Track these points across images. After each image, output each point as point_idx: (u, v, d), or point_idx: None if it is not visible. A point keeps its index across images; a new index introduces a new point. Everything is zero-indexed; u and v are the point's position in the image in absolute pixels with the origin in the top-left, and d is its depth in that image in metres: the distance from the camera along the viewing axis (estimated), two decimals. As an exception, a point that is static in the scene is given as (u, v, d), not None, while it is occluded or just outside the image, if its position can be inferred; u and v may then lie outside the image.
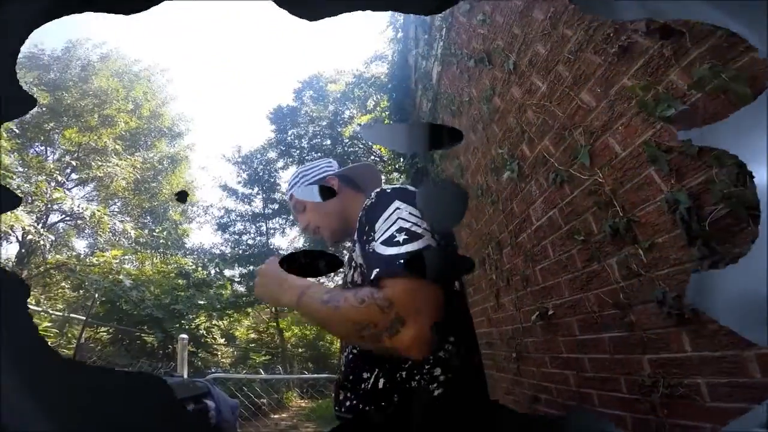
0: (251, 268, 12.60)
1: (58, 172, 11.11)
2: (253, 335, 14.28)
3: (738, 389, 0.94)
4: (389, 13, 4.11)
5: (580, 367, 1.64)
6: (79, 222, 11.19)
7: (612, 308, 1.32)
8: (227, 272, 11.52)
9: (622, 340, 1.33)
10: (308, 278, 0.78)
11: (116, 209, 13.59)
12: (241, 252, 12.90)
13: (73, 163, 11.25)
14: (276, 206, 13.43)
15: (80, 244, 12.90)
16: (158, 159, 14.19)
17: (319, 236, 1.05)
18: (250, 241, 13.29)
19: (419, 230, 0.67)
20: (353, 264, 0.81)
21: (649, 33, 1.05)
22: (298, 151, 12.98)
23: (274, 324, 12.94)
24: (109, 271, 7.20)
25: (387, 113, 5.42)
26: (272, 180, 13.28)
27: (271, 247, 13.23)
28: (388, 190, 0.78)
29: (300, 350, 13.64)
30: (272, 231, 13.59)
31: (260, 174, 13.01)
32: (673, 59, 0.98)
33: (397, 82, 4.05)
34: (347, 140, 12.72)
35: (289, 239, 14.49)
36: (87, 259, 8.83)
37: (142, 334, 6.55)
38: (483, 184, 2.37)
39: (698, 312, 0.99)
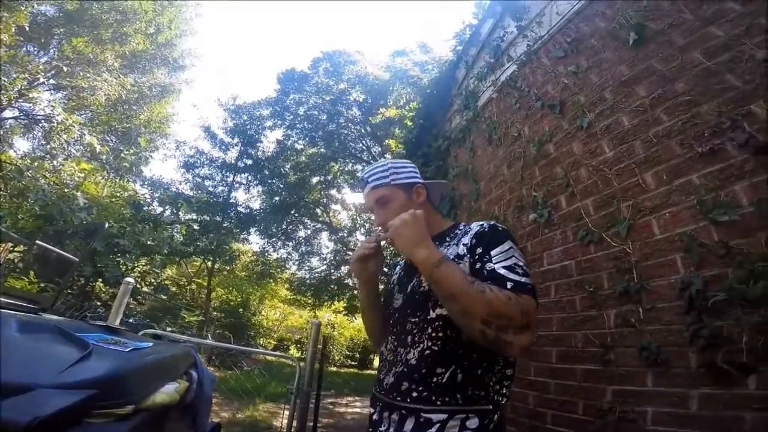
0: (205, 216, 12.03)
1: (42, 74, 10.07)
2: (174, 288, 13.43)
3: (675, 418, 1.30)
4: (458, 30, 3.98)
5: (544, 389, 1.91)
6: (43, 124, 10.01)
7: (597, 347, 1.64)
8: (182, 215, 10.82)
9: (594, 372, 1.65)
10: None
11: (80, 121, 12.64)
12: (199, 196, 12.28)
13: (64, 68, 10.29)
14: (249, 161, 13.04)
15: (23, 145, 11.40)
16: (149, 86, 13.36)
17: None
18: (212, 188, 12.77)
19: (526, 269, 0.88)
20: None
21: (746, 146, 1.13)
22: (291, 117, 12.80)
23: (201, 282, 12.25)
24: (65, 185, 6.33)
25: (412, 114, 5.46)
26: (256, 136, 12.92)
27: (231, 200, 12.76)
28: (500, 228, 0.95)
29: (218, 314, 13.00)
30: (237, 185, 13.17)
31: (246, 126, 12.61)
32: (749, 174, 1.12)
33: (438, 91, 4.00)
34: (342, 120, 12.76)
35: (249, 196, 14.03)
36: (39, 163, 7.38)
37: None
38: (499, 216, 2.54)
39: (670, 359, 1.34)
